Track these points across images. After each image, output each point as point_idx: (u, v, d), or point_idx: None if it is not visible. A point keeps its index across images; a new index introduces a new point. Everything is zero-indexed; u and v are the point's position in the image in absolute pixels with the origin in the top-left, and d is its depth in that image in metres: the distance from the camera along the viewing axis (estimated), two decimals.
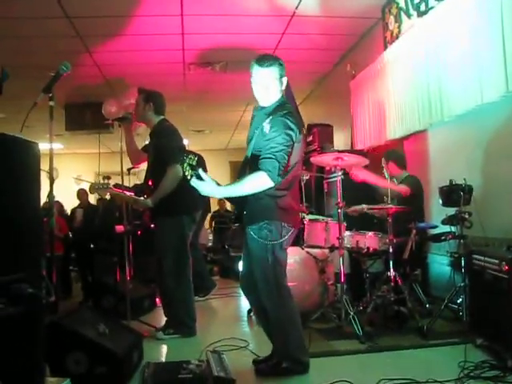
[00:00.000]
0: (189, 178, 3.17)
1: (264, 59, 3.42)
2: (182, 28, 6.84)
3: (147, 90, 4.92)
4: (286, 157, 3.26)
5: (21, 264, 2.06)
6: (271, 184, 3.21)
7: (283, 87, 3.49)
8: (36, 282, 2.11)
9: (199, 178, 3.18)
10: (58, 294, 6.03)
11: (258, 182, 3.23)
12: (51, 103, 3.25)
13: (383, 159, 5.39)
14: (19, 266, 2.04)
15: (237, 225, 7.68)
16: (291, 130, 3.30)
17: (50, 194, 3.21)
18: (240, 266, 7.98)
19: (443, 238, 4.64)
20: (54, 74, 3.27)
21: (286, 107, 3.44)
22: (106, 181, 5.08)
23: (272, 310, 3.47)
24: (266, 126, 3.35)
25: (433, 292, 5.59)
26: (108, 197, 5.74)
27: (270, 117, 3.36)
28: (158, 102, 4.86)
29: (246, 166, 3.48)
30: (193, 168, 3.19)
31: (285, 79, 3.47)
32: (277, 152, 3.22)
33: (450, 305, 4.55)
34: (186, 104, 10.50)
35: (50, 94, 3.24)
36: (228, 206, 13.12)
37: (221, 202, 12.53)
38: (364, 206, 5.07)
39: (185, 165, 3.16)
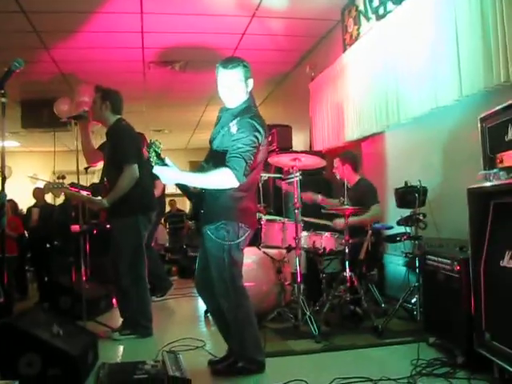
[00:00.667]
0: (153, 165, 3.17)
1: (228, 61, 3.44)
2: (141, 26, 6.79)
3: (104, 89, 4.85)
4: (252, 157, 3.29)
5: None
6: (235, 182, 3.22)
7: (249, 89, 3.50)
8: None
9: (161, 163, 3.20)
10: (11, 295, 5.95)
11: (222, 178, 3.24)
12: (3, 100, 3.18)
13: (338, 160, 5.44)
14: None
15: (192, 222, 7.66)
16: (258, 132, 3.33)
17: (2, 193, 3.15)
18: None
19: (398, 238, 4.71)
20: (6, 70, 3.20)
21: (253, 110, 3.46)
22: (60, 180, 4.99)
23: (228, 309, 3.47)
24: (233, 126, 3.36)
25: (388, 292, 5.68)
26: (62, 197, 5.65)
27: (238, 118, 3.38)
28: (116, 101, 4.80)
29: (208, 163, 3.52)
30: (158, 156, 3.19)
31: (250, 81, 3.48)
32: (243, 152, 3.24)
33: (405, 304, 4.64)
34: (146, 103, 10.43)
35: (2, 91, 3.17)
36: (180, 205, 13.09)
37: (171, 202, 12.47)
38: (319, 196, 5.20)
39: (151, 150, 3.17)
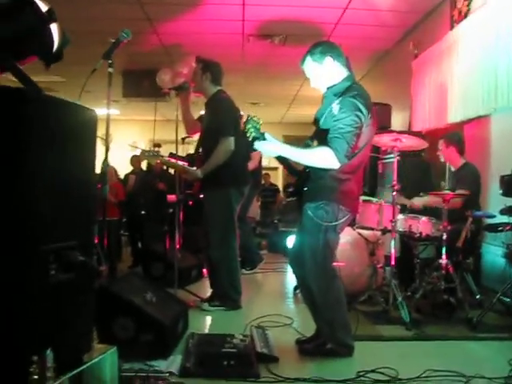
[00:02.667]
0: (251, 139, 3.20)
1: (302, 59, 3.52)
2: None
3: (205, 60, 4.89)
4: (354, 138, 3.23)
5: (73, 231, 2.06)
6: (336, 163, 3.18)
7: (332, 66, 3.45)
8: (87, 250, 2.12)
9: (261, 139, 3.24)
10: (114, 259, 6.17)
11: (323, 157, 3.21)
12: (110, 70, 3.25)
13: (443, 142, 5.22)
14: (71, 233, 2.04)
15: (290, 199, 7.65)
16: (360, 111, 3.26)
17: (105, 161, 3.23)
18: (289, 241, 8.02)
19: (500, 228, 4.48)
20: (114, 41, 3.26)
21: (356, 88, 3.40)
22: (156, 148, 5.10)
23: (318, 290, 3.43)
24: (335, 106, 3.31)
25: (484, 283, 5.44)
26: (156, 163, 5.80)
27: (340, 97, 3.32)
28: (216, 72, 4.82)
29: (313, 141, 3.49)
30: (257, 130, 3.20)
31: (327, 60, 3.44)
32: (345, 133, 3.19)
33: (502, 298, 4.42)
34: (243, 76, 10.42)
35: (110, 61, 3.24)
36: (273, 179, 13.10)
37: (265, 176, 12.50)
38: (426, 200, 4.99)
39: (249, 126, 3.18)
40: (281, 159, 3.42)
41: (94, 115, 2.25)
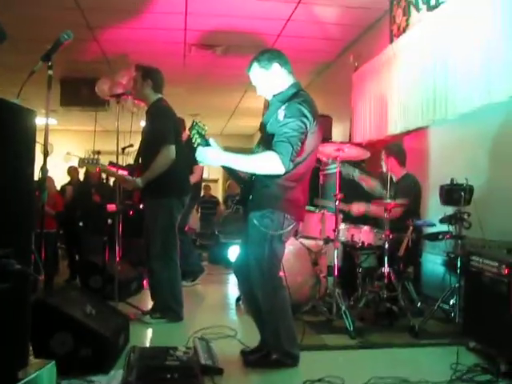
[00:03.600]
0: (195, 146, 3.17)
1: (248, 65, 3.50)
2: (185, 7, 6.69)
3: (145, 67, 4.80)
4: (300, 143, 3.21)
5: (9, 238, 1.94)
6: (282, 168, 3.14)
7: (279, 72, 3.44)
8: (25, 259, 2.00)
9: (205, 144, 3.21)
10: (50, 271, 5.95)
11: (267, 162, 3.18)
12: (50, 72, 3.12)
13: (384, 152, 5.30)
14: (7, 241, 1.92)
15: (231, 210, 7.62)
16: (306, 117, 3.25)
17: (44, 168, 3.10)
18: (230, 252, 7.97)
19: (441, 237, 4.56)
20: (54, 42, 3.14)
21: (302, 94, 3.39)
22: (95, 156, 4.96)
23: (264, 299, 3.38)
24: (281, 112, 3.29)
25: (424, 291, 5.52)
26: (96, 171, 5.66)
27: (286, 103, 3.31)
28: (157, 79, 4.75)
29: (259, 148, 3.44)
30: (202, 137, 3.16)
31: (275, 66, 3.43)
32: (290, 137, 3.17)
33: (442, 305, 4.49)
34: (184, 87, 10.37)
35: (50, 63, 3.11)
36: (213, 191, 13.08)
37: (206, 187, 12.45)
38: (364, 205, 5.08)
39: (193, 132, 3.15)
40: (227, 168, 3.36)
41: (33, 117, 2.14)
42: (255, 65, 3.46)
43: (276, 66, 3.43)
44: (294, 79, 3.50)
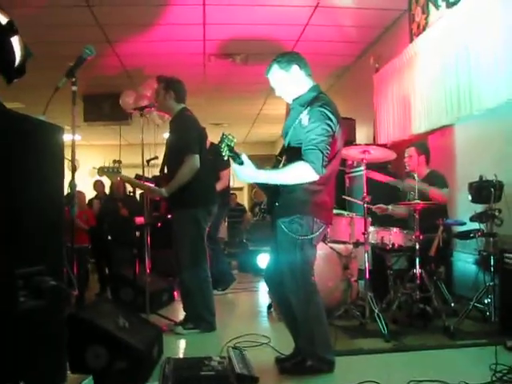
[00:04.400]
0: (225, 157, 3.19)
1: (267, 67, 3.50)
2: (203, 18, 6.74)
3: (167, 78, 4.82)
4: (328, 147, 3.20)
5: (41, 255, 1.95)
6: (315, 176, 3.14)
7: (298, 74, 3.44)
8: (58, 275, 2.01)
9: (237, 160, 3.21)
10: (82, 286, 5.99)
11: (300, 173, 3.17)
12: (74, 88, 3.15)
13: (414, 150, 5.25)
14: (39, 258, 1.93)
15: (258, 218, 7.60)
16: (330, 120, 3.24)
17: (72, 182, 3.13)
18: (259, 260, 7.95)
19: (472, 235, 4.49)
20: (77, 58, 3.17)
21: (323, 97, 3.37)
22: (116, 164, 4.96)
23: (297, 306, 3.36)
24: (305, 117, 3.27)
25: (456, 291, 5.44)
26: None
27: (308, 108, 3.29)
28: (179, 90, 4.77)
29: (284, 156, 3.43)
30: (231, 150, 3.17)
31: (294, 68, 3.43)
32: (318, 143, 3.16)
33: (476, 304, 4.42)
34: (205, 97, 10.40)
35: (74, 79, 3.14)
36: (239, 199, 13.09)
37: (232, 196, 12.46)
38: (390, 206, 5.02)
39: (223, 145, 3.16)
40: None
41: (61, 133, 2.15)
42: (275, 66, 3.45)
43: (295, 67, 3.42)
44: (313, 82, 3.49)
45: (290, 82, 3.45)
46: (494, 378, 3.12)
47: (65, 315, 2.26)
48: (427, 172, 5.26)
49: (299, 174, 3.18)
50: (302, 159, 3.16)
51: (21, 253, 1.81)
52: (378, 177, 5.06)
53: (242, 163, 3.22)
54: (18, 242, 1.77)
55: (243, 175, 3.25)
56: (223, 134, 3.20)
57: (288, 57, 3.48)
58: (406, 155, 5.31)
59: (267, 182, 3.33)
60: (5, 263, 1.69)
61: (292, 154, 3.29)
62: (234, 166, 3.24)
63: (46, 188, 2.01)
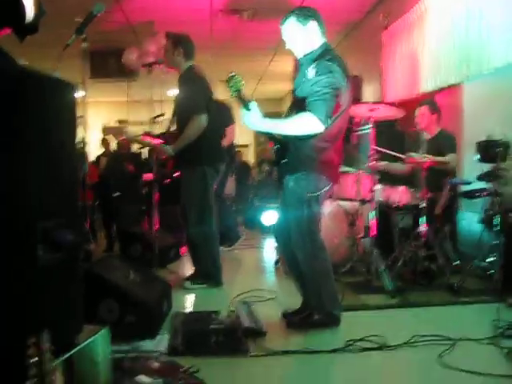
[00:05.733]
0: (232, 96, 3.20)
1: (283, 17, 3.45)
2: None
3: (175, 35, 4.80)
4: (334, 99, 3.20)
5: (59, 209, 1.99)
6: (321, 126, 3.15)
7: (314, 30, 3.41)
8: (75, 228, 2.05)
9: (243, 103, 3.21)
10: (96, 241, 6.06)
11: (305, 123, 3.18)
12: (84, 45, 3.15)
13: (427, 109, 5.22)
14: (57, 211, 1.97)
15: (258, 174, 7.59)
16: (336, 73, 3.24)
17: (84, 139, 3.15)
18: (264, 217, 8.00)
19: (478, 194, 4.51)
20: (87, 15, 3.15)
21: (330, 53, 3.37)
22: (121, 124, 4.99)
23: (305, 261, 3.42)
24: (311, 71, 3.28)
25: (461, 249, 5.49)
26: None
27: (315, 62, 3.29)
28: (188, 47, 4.75)
29: (292, 111, 3.43)
30: (238, 91, 3.19)
31: (311, 24, 3.39)
32: (324, 94, 3.16)
33: (480, 263, 4.47)
34: (212, 53, 10.29)
35: (84, 36, 3.13)
36: (245, 157, 13.08)
37: (239, 153, 12.46)
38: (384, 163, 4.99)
39: (230, 84, 3.16)
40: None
41: (73, 90, 2.17)
42: (292, 18, 3.41)
43: (313, 23, 3.39)
44: (325, 40, 3.47)
45: (303, 37, 3.42)
46: (495, 334, 3.20)
47: (82, 268, 2.31)
48: (437, 131, 5.26)
49: (304, 124, 3.18)
50: (307, 110, 3.17)
51: (40, 205, 1.84)
52: (381, 165, 5.06)
53: (249, 109, 3.23)
54: (36, 196, 1.80)
55: (249, 122, 3.26)
56: (231, 74, 3.19)
57: (306, 11, 3.44)
58: (416, 113, 5.28)
59: (272, 131, 3.35)
60: (27, 216, 1.73)
61: (299, 106, 3.29)
62: (240, 111, 3.25)
63: (62, 144, 2.03)
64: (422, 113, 5.23)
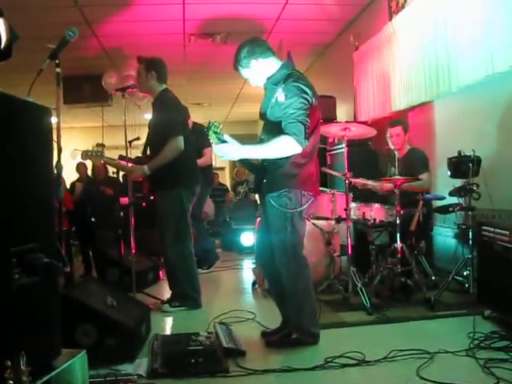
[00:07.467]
0: (215, 143, 3.27)
1: (234, 63, 3.55)
2: None
3: (148, 58, 4.79)
4: (308, 119, 3.27)
5: (33, 234, 1.99)
6: (299, 148, 3.22)
7: (259, 65, 3.50)
8: (50, 252, 2.05)
9: (223, 141, 3.27)
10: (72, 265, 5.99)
11: (284, 146, 3.23)
12: (58, 70, 3.16)
13: (401, 128, 5.31)
14: (31, 236, 1.97)
15: (235, 196, 7.66)
16: (306, 93, 3.31)
17: (58, 164, 3.15)
18: (242, 238, 8.03)
19: (451, 209, 4.57)
20: (60, 40, 3.17)
21: (295, 74, 3.45)
22: (99, 148, 4.98)
23: (287, 279, 3.44)
24: (280, 95, 3.35)
25: (437, 264, 5.56)
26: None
27: (282, 85, 3.36)
28: (160, 70, 4.76)
29: (267, 135, 3.46)
30: (217, 134, 3.26)
31: (253, 63, 3.49)
32: (298, 116, 3.23)
33: (456, 277, 4.53)
34: (185, 77, 10.36)
35: (57, 61, 3.15)
36: (221, 179, 13.12)
37: (215, 175, 12.48)
38: (371, 181, 5.06)
39: (210, 132, 3.24)
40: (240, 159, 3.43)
41: (49, 114, 2.17)
42: (239, 68, 3.55)
43: (254, 62, 3.49)
44: (280, 61, 3.57)
45: (257, 73, 3.54)
46: (471, 345, 3.25)
47: (59, 291, 2.30)
48: (407, 149, 5.35)
49: (283, 146, 3.24)
50: (285, 133, 3.22)
51: (14, 232, 1.84)
52: (359, 182, 5.12)
53: (224, 141, 3.28)
54: (11, 221, 1.80)
55: (228, 153, 3.30)
56: (209, 122, 3.27)
57: (243, 53, 3.49)
58: (390, 133, 5.36)
59: (252, 157, 3.41)
60: (2, 241, 1.73)
61: (273, 131, 3.34)
62: (215, 146, 3.28)
63: (37, 169, 2.04)
64: (396, 133, 5.30)
